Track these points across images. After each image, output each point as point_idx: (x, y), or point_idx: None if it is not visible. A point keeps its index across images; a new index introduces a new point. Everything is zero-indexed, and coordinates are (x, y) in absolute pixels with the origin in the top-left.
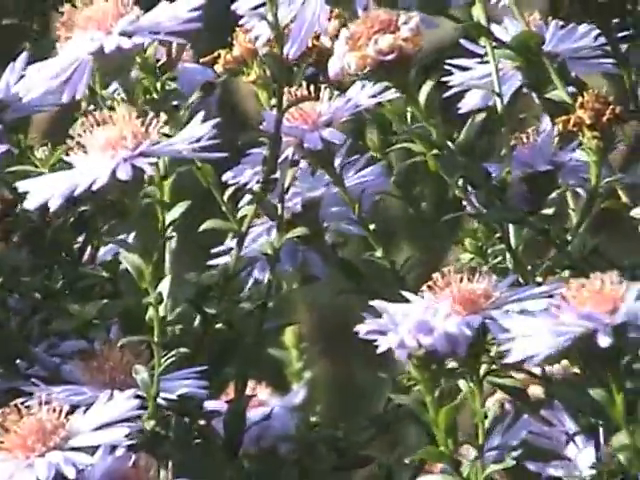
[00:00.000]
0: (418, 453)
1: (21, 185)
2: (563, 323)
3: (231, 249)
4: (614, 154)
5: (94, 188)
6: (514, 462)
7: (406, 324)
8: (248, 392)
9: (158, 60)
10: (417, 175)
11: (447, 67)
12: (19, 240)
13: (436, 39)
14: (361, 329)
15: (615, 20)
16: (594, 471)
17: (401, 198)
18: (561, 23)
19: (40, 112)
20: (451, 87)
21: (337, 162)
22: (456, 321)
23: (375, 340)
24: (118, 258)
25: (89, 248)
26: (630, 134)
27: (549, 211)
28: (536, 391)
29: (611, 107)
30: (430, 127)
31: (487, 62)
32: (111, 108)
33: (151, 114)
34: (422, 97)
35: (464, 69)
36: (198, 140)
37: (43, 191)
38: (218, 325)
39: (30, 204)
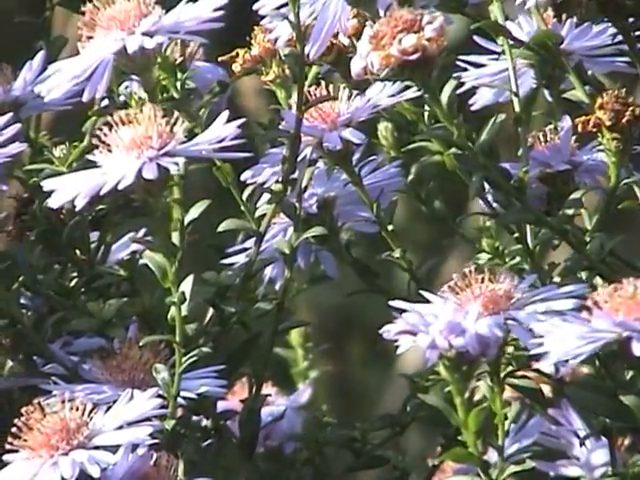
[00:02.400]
0: (446, 454)
1: (46, 184)
2: (597, 329)
3: (244, 249)
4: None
5: (120, 187)
6: (533, 464)
7: (437, 325)
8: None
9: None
10: (428, 174)
11: (460, 64)
12: (35, 238)
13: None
14: (391, 329)
15: (631, 19)
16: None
17: (415, 198)
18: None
19: (54, 110)
20: (463, 84)
21: (356, 163)
22: (487, 322)
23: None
24: (134, 257)
25: (103, 247)
26: None
27: (569, 212)
28: (544, 390)
29: (631, 108)
30: (452, 127)
31: (500, 59)
32: (125, 105)
33: (176, 114)
34: (444, 97)
35: (477, 66)
36: (222, 140)
37: (69, 190)
38: (235, 325)
39: (55, 202)
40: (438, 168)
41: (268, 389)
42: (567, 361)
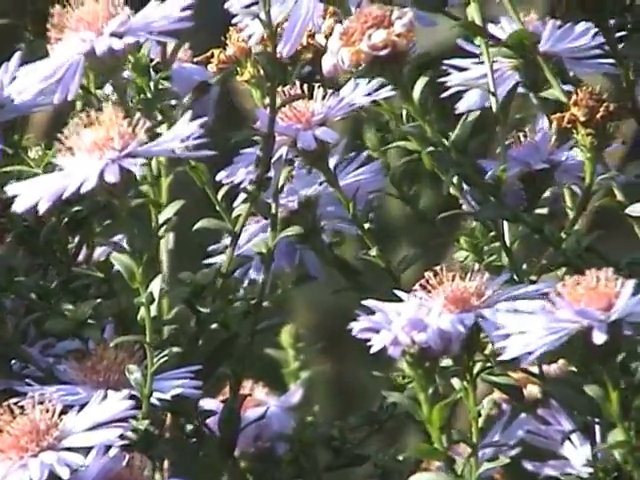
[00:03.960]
0: (411, 450)
1: (10, 188)
2: (558, 320)
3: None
4: (612, 153)
5: (82, 191)
6: (508, 460)
7: (399, 321)
8: (246, 392)
9: (152, 60)
10: (414, 175)
11: (444, 67)
12: (13, 240)
13: (431, 41)
14: (355, 327)
15: (612, 19)
16: (589, 469)
17: (399, 197)
18: (558, 23)
19: (34, 112)
20: (448, 88)
21: (334, 161)
22: (449, 318)
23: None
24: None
25: (84, 249)
26: (627, 133)
27: (543, 210)
28: (533, 391)
29: (605, 104)
30: (424, 124)
31: (483, 62)
32: (99, 109)
33: (138, 114)
34: (416, 93)
35: (461, 69)
36: (186, 139)
37: (32, 194)
38: (213, 325)
39: (19, 207)
40: (428, 169)
41: (259, 390)
42: (530, 353)
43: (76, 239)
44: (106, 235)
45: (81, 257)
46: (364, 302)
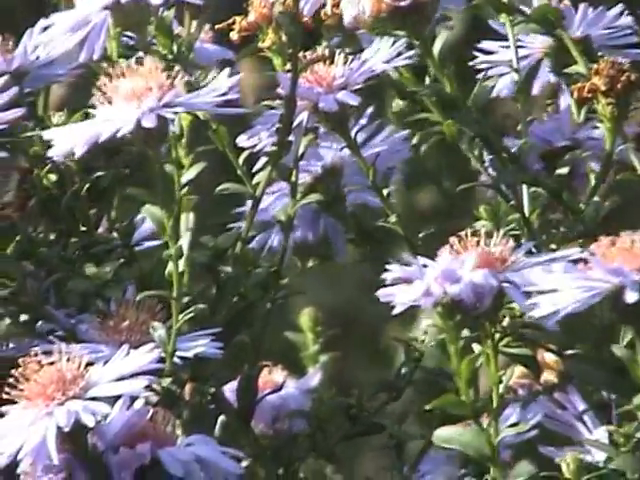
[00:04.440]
0: (437, 400)
1: (46, 134)
2: (591, 278)
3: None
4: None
5: (119, 135)
6: (529, 426)
7: (433, 272)
8: (265, 373)
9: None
10: (439, 151)
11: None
12: (35, 208)
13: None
14: (387, 276)
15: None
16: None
17: (422, 174)
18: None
19: (59, 81)
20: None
21: (355, 129)
22: (483, 272)
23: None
24: (132, 223)
25: (106, 216)
26: None
27: (563, 170)
28: (550, 377)
29: (626, 74)
30: (443, 78)
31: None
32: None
33: (177, 67)
34: (437, 48)
35: (488, 53)
36: (223, 95)
37: (67, 139)
38: (232, 291)
39: (55, 152)
40: (447, 146)
41: (278, 373)
42: (563, 310)
43: (97, 208)
44: (128, 204)
45: (102, 227)
46: (388, 267)
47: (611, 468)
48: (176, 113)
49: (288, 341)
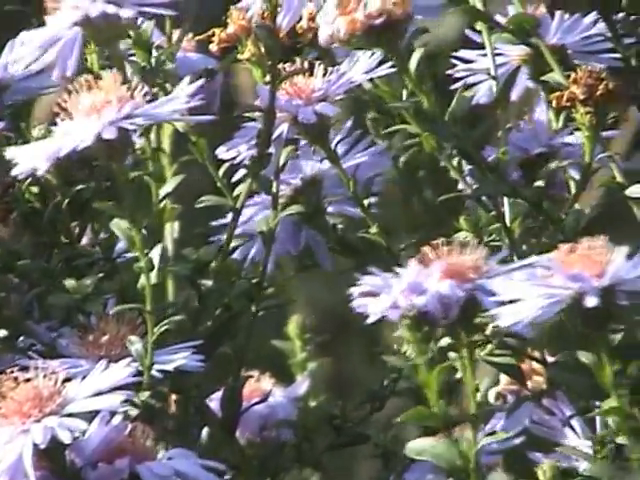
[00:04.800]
0: (408, 414)
1: (9, 153)
2: (552, 285)
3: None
4: (617, 140)
5: (78, 150)
6: (509, 435)
7: (399, 285)
8: (253, 381)
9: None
10: (419, 162)
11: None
12: (17, 221)
13: (440, 34)
14: (354, 291)
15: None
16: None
17: (403, 184)
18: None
19: (41, 95)
20: (457, 80)
21: (335, 141)
22: (449, 283)
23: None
24: (114, 236)
25: (89, 231)
26: (629, 117)
27: (541, 183)
28: (538, 382)
29: (604, 83)
30: (421, 95)
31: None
32: (98, 77)
33: (136, 80)
34: (413, 64)
35: (467, 61)
36: (185, 102)
37: (30, 157)
38: (215, 303)
39: (18, 170)
40: (429, 159)
41: (265, 381)
42: (524, 319)
43: (80, 220)
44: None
45: (86, 239)
46: (362, 278)
47: (586, 475)
48: (136, 124)
49: (277, 348)
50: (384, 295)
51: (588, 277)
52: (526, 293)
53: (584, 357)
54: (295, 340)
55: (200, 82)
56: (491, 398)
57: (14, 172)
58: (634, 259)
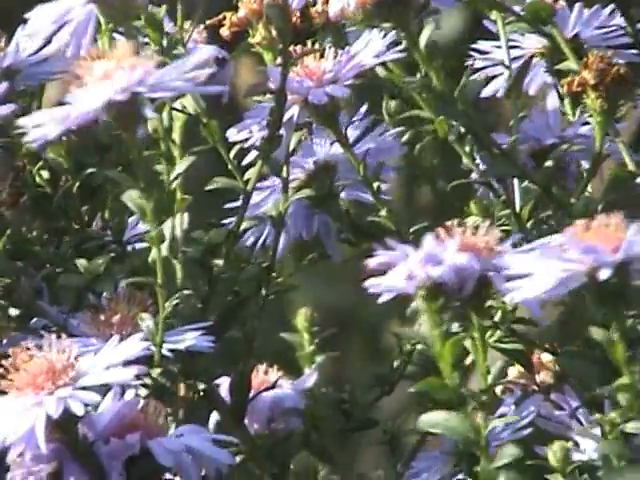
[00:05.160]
0: (420, 383)
1: (20, 121)
2: (566, 259)
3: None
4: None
5: (91, 112)
6: (519, 421)
7: (416, 256)
8: (261, 374)
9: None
10: (431, 150)
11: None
12: (28, 205)
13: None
14: (371, 261)
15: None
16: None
17: (419, 174)
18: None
19: (52, 79)
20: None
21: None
22: (467, 255)
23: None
24: (124, 220)
25: (99, 216)
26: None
27: (549, 163)
28: (547, 377)
29: (615, 68)
30: (431, 71)
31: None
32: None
33: (151, 50)
34: (423, 40)
35: (483, 53)
36: (196, 70)
37: (41, 123)
38: (224, 286)
39: (30, 137)
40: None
41: (273, 373)
42: (542, 293)
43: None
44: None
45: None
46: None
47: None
48: (149, 91)
49: (285, 341)
50: (400, 266)
51: (603, 250)
52: (540, 268)
53: (597, 334)
54: (303, 333)
55: (211, 49)
56: (498, 391)
57: (26, 139)
58: None
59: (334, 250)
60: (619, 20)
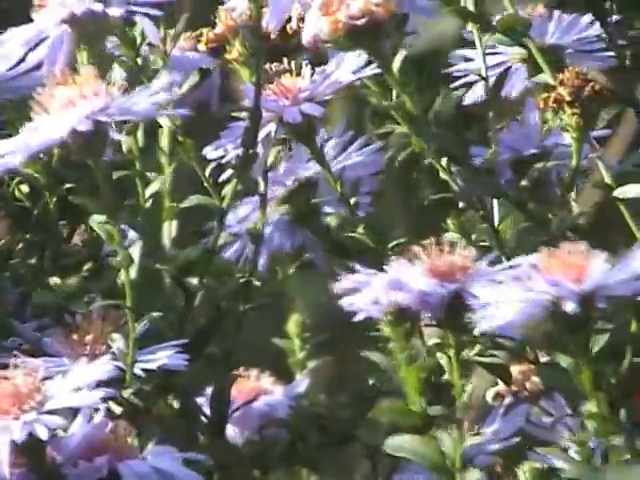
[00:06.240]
0: (381, 409)
1: None
2: (532, 289)
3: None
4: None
5: (51, 142)
6: (493, 437)
7: (380, 281)
8: (251, 381)
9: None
10: (415, 165)
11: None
12: (5, 219)
13: (436, 33)
14: (336, 287)
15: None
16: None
17: (397, 186)
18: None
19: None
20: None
21: (331, 144)
22: (429, 281)
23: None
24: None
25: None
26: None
27: (526, 183)
28: (537, 383)
29: (591, 84)
30: (404, 95)
31: (490, 53)
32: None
33: (114, 75)
34: (396, 64)
35: (467, 60)
36: (161, 94)
37: (6, 151)
38: (200, 302)
39: None
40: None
41: (265, 380)
42: (506, 324)
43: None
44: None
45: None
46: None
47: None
48: (112, 118)
49: (277, 347)
50: (365, 290)
51: (566, 282)
52: (506, 296)
53: (563, 361)
54: (294, 339)
55: (172, 75)
56: (489, 398)
57: None
58: (620, 263)
59: (320, 261)
60: (597, 27)
